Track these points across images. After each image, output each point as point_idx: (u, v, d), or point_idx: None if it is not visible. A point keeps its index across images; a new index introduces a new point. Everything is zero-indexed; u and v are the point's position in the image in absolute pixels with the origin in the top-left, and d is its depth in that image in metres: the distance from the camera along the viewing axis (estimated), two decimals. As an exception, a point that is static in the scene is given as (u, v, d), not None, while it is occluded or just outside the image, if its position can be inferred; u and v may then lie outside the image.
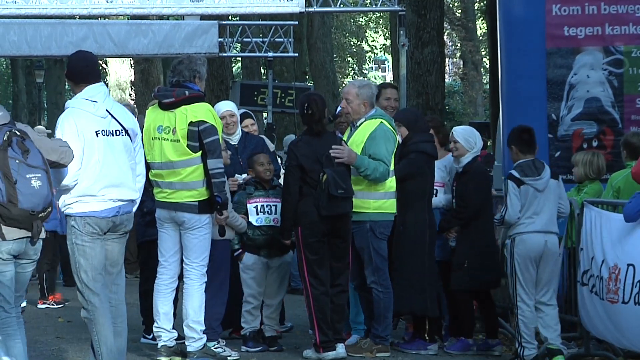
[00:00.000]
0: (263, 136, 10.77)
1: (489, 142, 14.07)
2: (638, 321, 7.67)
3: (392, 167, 9.05)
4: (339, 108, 9.75)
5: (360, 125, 9.12)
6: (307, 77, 27.03)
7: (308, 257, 8.78)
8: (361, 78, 38.01)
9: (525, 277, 8.68)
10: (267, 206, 9.28)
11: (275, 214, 9.24)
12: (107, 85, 32.78)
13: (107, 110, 7.43)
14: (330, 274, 8.83)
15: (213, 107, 8.95)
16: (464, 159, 9.29)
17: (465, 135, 9.37)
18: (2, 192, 6.54)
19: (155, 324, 8.72)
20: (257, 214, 9.22)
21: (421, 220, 9.17)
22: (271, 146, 10.58)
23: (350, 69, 44.79)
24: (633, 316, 7.73)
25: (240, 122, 9.92)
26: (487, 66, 30.14)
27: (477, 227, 9.22)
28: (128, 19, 19.40)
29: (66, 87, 40.22)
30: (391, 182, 9.06)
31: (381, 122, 9.07)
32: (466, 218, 9.21)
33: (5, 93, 45.74)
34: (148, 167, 8.47)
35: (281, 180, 9.57)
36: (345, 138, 9.18)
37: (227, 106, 9.88)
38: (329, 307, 8.79)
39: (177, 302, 8.91)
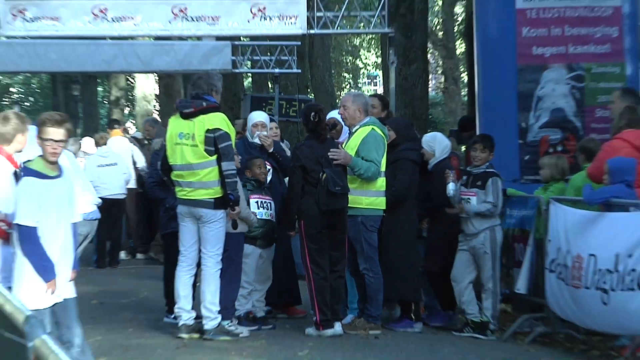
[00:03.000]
0: (286, 141, 10.79)
1: (463, 148, 14.07)
2: (598, 304, 7.65)
3: (382, 169, 9.04)
4: (329, 116, 9.76)
5: (355, 131, 9.12)
6: (308, 90, 26.99)
7: (310, 246, 8.78)
8: (356, 90, 38.02)
9: None
10: (264, 202, 9.32)
11: (271, 209, 9.29)
12: (134, 97, 32.90)
13: None
14: (329, 262, 8.83)
15: (242, 116, 8.99)
16: (431, 162, 9.34)
17: (427, 142, 9.48)
18: None
19: (176, 305, 8.71)
20: (258, 208, 9.25)
21: (408, 218, 9.19)
22: (287, 151, 10.62)
23: (346, 83, 44.74)
24: (594, 300, 7.71)
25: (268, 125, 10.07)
26: (465, 81, 30.10)
27: (443, 219, 9.23)
28: (153, 40, 19.38)
29: (98, 99, 40.27)
30: (382, 182, 9.06)
31: (372, 128, 9.07)
32: (431, 212, 9.26)
33: (46, 104, 45.73)
34: (170, 168, 8.51)
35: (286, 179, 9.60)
36: (344, 143, 9.20)
37: (260, 117, 9.96)
38: (328, 291, 8.78)
39: (196, 286, 8.90)
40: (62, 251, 6.07)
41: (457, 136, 13.53)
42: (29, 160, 6.24)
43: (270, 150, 9.73)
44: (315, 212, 8.74)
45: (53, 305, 6.07)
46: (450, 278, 9.16)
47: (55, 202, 6.03)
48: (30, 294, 5.98)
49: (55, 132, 6.00)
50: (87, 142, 16.69)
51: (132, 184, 14.97)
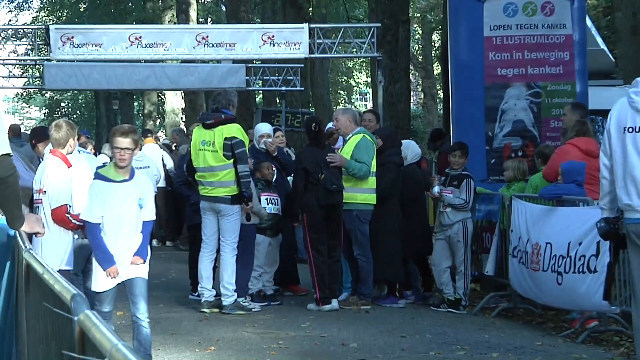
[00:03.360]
0: (292, 148, 10.71)
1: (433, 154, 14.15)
2: (553, 284, 7.63)
3: (373, 169, 9.00)
4: (328, 125, 9.74)
5: (348, 139, 9.09)
6: (310, 105, 26.95)
7: (311, 236, 8.75)
8: (348, 106, 37.97)
9: None
10: (272, 199, 9.27)
11: (278, 205, 9.24)
12: (164, 111, 32.82)
13: None
14: (327, 248, 8.79)
15: (254, 126, 8.95)
16: (405, 164, 9.34)
17: (402, 148, 9.43)
18: None
19: (199, 285, 8.68)
20: (267, 204, 9.20)
21: (393, 212, 9.15)
22: (292, 156, 10.58)
23: (341, 99, 44.73)
24: (550, 280, 7.69)
25: (274, 134, 10.00)
26: (441, 97, 30.09)
27: (414, 213, 9.22)
28: (180, 63, 19.36)
29: (134, 112, 40.21)
30: (372, 181, 9.02)
31: (363, 136, 9.04)
32: (402, 206, 9.20)
33: (90, 117, 45.71)
34: (194, 170, 8.48)
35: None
36: (339, 150, 9.17)
37: (265, 128, 9.86)
38: (327, 273, 8.75)
39: (216, 269, 8.86)
40: (126, 243, 6.00)
41: (431, 144, 13.54)
42: (102, 166, 6.29)
43: (275, 154, 9.68)
44: (315, 207, 8.72)
45: (116, 286, 6.03)
46: (425, 263, 9.16)
47: (119, 203, 5.97)
48: (94, 278, 6.05)
49: (122, 141, 5.95)
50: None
51: (162, 184, 14.91)
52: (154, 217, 6.13)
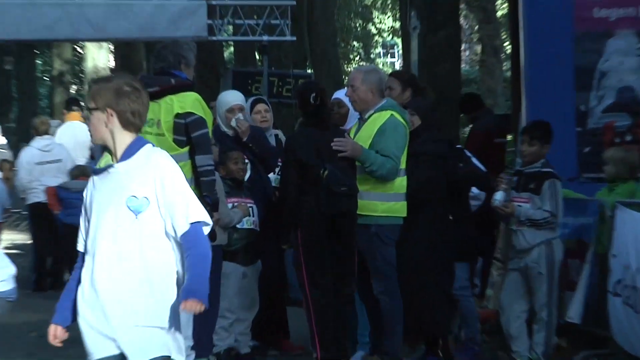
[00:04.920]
0: (278, 131, 10.73)
1: (509, 137, 14.12)
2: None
3: (403, 166, 9.04)
4: (335, 95, 9.79)
5: (368, 118, 9.12)
6: (307, 64, 27.00)
7: (308, 262, 8.80)
8: (368, 64, 38.00)
9: None
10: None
11: (253, 216, 9.33)
12: (83, 72, 32.94)
13: None
14: (333, 282, 8.85)
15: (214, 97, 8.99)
16: None
17: None
18: None
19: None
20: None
21: (431, 226, 9.18)
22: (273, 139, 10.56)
23: (355, 55, 44.76)
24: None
25: (252, 109, 10.03)
26: (508, 52, 30.04)
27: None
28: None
29: (37, 74, 40.26)
30: (401, 183, 9.04)
31: (392, 114, 9.04)
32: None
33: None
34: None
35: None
36: (352, 132, 9.18)
37: (235, 98, 9.94)
38: (332, 320, 8.81)
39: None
40: None
41: (501, 122, 13.69)
42: None
43: (244, 139, 9.66)
44: (314, 218, 8.77)
45: None
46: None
47: None
48: None
49: None
50: None
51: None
52: None
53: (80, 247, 5.31)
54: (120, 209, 5.15)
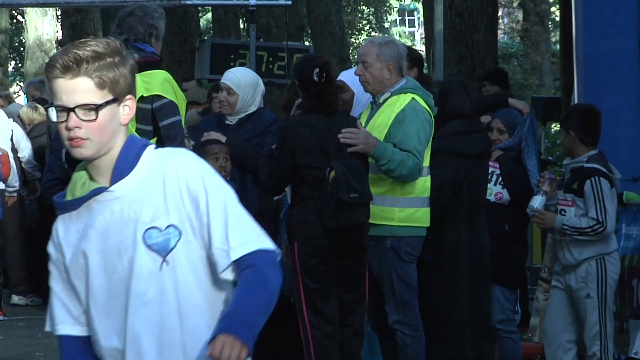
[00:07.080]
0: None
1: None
2: None
3: (425, 163, 9.05)
4: (342, 74, 9.80)
5: (383, 102, 9.13)
6: (304, 34, 27.08)
7: (308, 285, 8.83)
8: (382, 35, 38.02)
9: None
10: None
11: None
12: (24, 45, 32.93)
13: None
14: (339, 310, 8.89)
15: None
16: None
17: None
18: None
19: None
20: None
21: (461, 237, 9.23)
22: None
23: (365, 23, 44.82)
24: None
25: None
26: (557, 20, 30.15)
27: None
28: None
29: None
30: (425, 183, 9.07)
31: (413, 97, 9.05)
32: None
33: None
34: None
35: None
36: (363, 120, 9.18)
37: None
38: (337, 355, 8.84)
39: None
40: None
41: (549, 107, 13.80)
42: None
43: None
44: (316, 231, 8.78)
45: None
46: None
47: None
48: None
49: None
50: None
51: (14, 184, 14.93)
52: None
53: (64, 329, 4.43)
54: (136, 255, 4.24)
